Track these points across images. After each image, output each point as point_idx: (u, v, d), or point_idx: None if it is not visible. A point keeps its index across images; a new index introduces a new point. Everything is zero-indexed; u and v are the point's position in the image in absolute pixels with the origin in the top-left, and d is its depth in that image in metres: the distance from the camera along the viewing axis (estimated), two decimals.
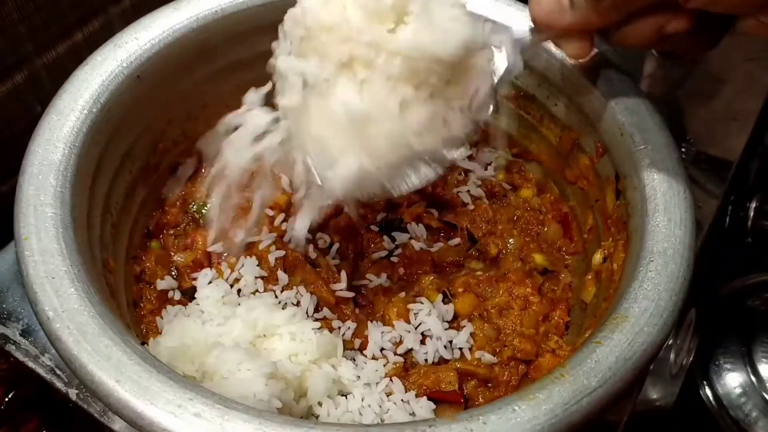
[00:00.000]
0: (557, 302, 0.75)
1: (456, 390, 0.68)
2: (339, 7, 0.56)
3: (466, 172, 0.85)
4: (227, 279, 0.74)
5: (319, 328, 0.70)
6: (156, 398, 0.48)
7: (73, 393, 0.66)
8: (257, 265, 0.75)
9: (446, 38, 0.56)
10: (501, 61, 0.63)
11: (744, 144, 0.98)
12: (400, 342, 0.71)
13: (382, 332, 0.71)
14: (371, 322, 0.73)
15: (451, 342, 0.71)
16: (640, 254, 0.60)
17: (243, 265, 0.75)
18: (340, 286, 0.74)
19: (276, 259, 0.76)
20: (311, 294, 0.73)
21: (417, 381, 0.68)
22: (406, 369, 0.70)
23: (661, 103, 0.70)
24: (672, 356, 0.91)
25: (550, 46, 0.73)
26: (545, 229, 0.81)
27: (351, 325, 0.72)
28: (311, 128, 0.59)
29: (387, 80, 0.56)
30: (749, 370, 1.00)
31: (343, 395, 0.67)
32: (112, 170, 0.70)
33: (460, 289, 0.75)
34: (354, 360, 0.70)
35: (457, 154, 0.63)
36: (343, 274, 0.74)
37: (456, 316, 0.74)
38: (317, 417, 0.65)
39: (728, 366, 1.01)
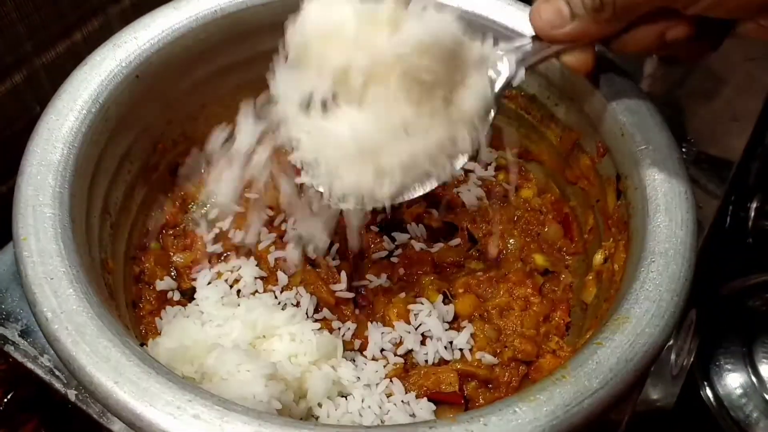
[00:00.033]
0: (558, 303, 0.75)
1: (456, 391, 0.68)
2: (336, 16, 0.56)
3: (467, 172, 0.85)
4: (227, 280, 0.74)
5: (318, 329, 0.69)
6: (155, 400, 0.48)
7: (72, 394, 0.66)
8: (257, 266, 0.75)
9: (436, 28, 0.56)
10: (503, 71, 0.63)
11: (744, 144, 0.98)
12: (401, 343, 0.71)
13: (382, 333, 0.71)
14: (371, 322, 0.73)
15: (451, 343, 0.71)
16: (641, 255, 0.60)
17: (242, 266, 0.74)
18: (340, 287, 0.73)
19: (275, 259, 0.75)
20: (311, 294, 0.73)
21: (417, 382, 0.68)
22: (407, 370, 0.70)
23: (661, 103, 0.70)
24: (673, 357, 0.91)
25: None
26: (546, 229, 0.81)
27: (351, 325, 0.72)
28: (315, 145, 0.59)
29: (388, 95, 0.57)
30: (750, 370, 1.00)
31: (343, 396, 0.66)
32: (111, 170, 0.70)
33: (461, 290, 0.75)
34: (354, 361, 0.70)
35: (462, 164, 0.63)
36: (343, 275, 0.74)
37: (456, 317, 0.74)
38: (317, 418, 0.64)
39: (729, 367, 1.01)
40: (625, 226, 0.66)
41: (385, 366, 0.69)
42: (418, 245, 0.78)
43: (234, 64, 0.79)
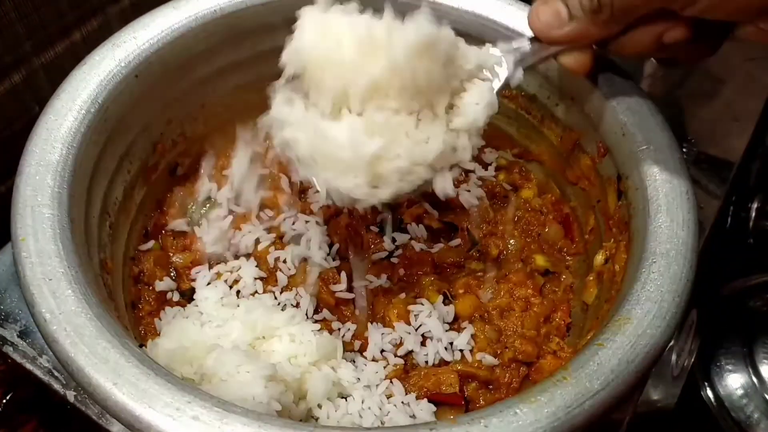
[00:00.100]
0: (558, 303, 0.75)
1: (457, 392, 0.68)
2: (333, 41, 0.56)
3: (467, 172, 0.85)
4: (226, 280, 0.74)
5: (318, 330, 0.69)
6: (154, 401, 0.48)
7: (71, 395, 0.66)
8: (256, 266, 0.75)
9: (428, 31, 0.56)
10: (501, 71, 0.63)
11: (745, 144, 0.98)
12: (401, 344, 0.71)
13: (382, 334, 0.71)
14: (371, 323, 0.72)
15: (451, 344, 0.71)
16: (642, 255, 0.59)
17: (242, 267, 0.74)
18: (340, 287, 0.73)
19: (275, 259, 0.75)
20: (311, 295, 0.72)
21: (417, 383, 0.68)
22: (407, 371, 0.70)
23: (661, 103, 0.70)
24: (673, 357, 0.91)
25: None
26: (546, 229, 0.81)
27: (351, 326, 0.72)
28: (312, 143, 0.59)
29: (387, 105, 0.57)
30: (751, 371, 1.00)
31: (343, 397, 0.66)
32: (110, 171, 0.70)
33: (461, 291, 0.75)
34: (354, 362, 0.70)
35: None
36: (343, 275, 0.74)
37: (456, 318, 0.74)
38: (317, 419, 0.64)
39: (729, 367, 1.00)
40: (626, 227, 0.66)
41: (385, 367, 0.69)
42: (418, 246, 0.78)
43: (234, 64, 0.79)
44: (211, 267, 0.76)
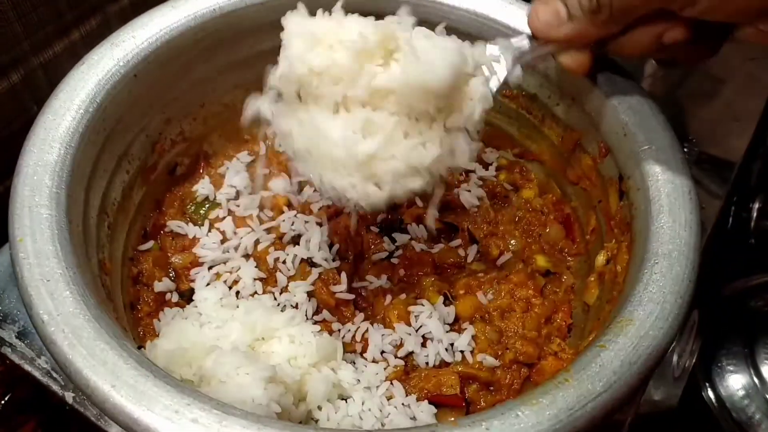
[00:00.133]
0: (559, 304, 0.75)
1: (457, 394, 0.67)
2: (325, 49, 0.56)
3: (467, 172, 0.84)
4: (225, 281, 0.73)
5: (318, 331, 0.69)
6: (153, 403, 0.48)
7: (69, 396, 0.66)
8: (256, 267, 0.74)
9: (434, 68, 0.55)
10: (500, 72, 0.62)
11: (746, 144, 0.98)
12: (401, 345, 0.70)
13: (383, 335, 0.71)
14: (372, 324, 0.72)
15: (452, 345, 0.71)
16: (644, 256, 0.59)
17: (241, 267, 0.74)
18: (340, 288, 0.73)
19: (275, 260, 0.75)
20: (310, 296, 0.72)
21: (418, 384, 0.68)
22: (407, 372, 0.70)
23: (662, 103, 0.69)
24: (675, 358, 0.91)
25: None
26: (547, 230, 0.81)
27: (351, 327, 0.72)
28: (307, 137, 0.59)
29: (385, 110, 0.56)
30: (752, 371, 0.99)
31: (343, 399, 0.66)
32: (108, 171, 0.69)
33: (462, 291, 0.74)
34: (354, 363, 0.69)
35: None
36: (343, 276, 0.73)
37: (457, 319, 0.73)
38: (317, 421, 0.64)
39: (731, 368, 1.00)
40: (628, 227, 0.66)
41: (385, 368, 0.69)
42: (418, 246, 0.78)
43: (233, 63, 0.79)
44: (210, 268, 0.75)
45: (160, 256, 0.76)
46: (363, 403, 0.65)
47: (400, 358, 0.70)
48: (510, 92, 0.81)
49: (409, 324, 0.71)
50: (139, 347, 0.64)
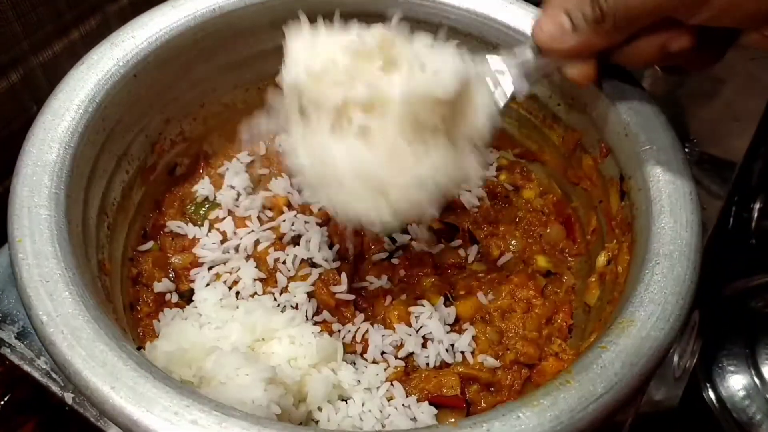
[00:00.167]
0: (560, 305, 0.74)
1: (458, 395, 0.67)
2: (325, 53, 0.56)
3: None
4: (225, 281, 0.73)
5: (319, 332, 0.69)
6: (152, 405, 0.47)
7: (69, 397, 0.65)
8: (256, 267, 0.74)
9: (440, 77, 0.55)
10: (506, 86, 0.62)
11: (747, 144, 0.98)
12: (401, 345, 0.70)
13: (383, 335, 0.71)
14: (372, 325, 0.72)
15: (452, 345, 0.71)
16: (645, 257, 0.59)
17: (241, 268, 0.74)
18: (341, 289, 0.72)
19: (275, 260, 0.75)
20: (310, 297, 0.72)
21: (418, 385, 0.68)
22: (407, 373, 0.69)
23: (662, 103, 0.69)
24: (675, 358, 0.90)
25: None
26: (548, 230, 0.80)
27: (351, 328, 0.72)
28: (314, 163, 0.58)
29: (390, 128, 0.56)
30: (753, 372, 0.99)
31: (343, 400, 0.66)
32: (108, 171, 0.69)
33: (462, 292, 0.74)
34: (354, 364, 0.69)
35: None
36: (344, 276, 0.73)
37: (458, 319, 0.73)
38: (317, 422, 0.64)
39: (731, 368, 1.00)
40: (629, 228, 0.66)
41: (385, 369, 0.69)
42: (418, 246, 0.77)
43: (233, 62, 0.79)
44: (210, 268, 0.75)
45: (159, 257, 0.75)
46: (363, 404, 0.65)
47: (401, 358, 0.70)
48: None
49: (409, 325, 0.71)
50: (139, 348, 0.64)
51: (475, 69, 0.59)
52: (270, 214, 0.79)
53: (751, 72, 1.04)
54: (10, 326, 0.69)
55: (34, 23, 0.79)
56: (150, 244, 0.76)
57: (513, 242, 0.79)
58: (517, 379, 0.69)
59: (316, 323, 0.71)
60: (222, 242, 0.77)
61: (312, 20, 0.58)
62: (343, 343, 0.70)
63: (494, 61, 0.62)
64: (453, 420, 0.64)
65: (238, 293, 0.73)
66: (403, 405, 0.66)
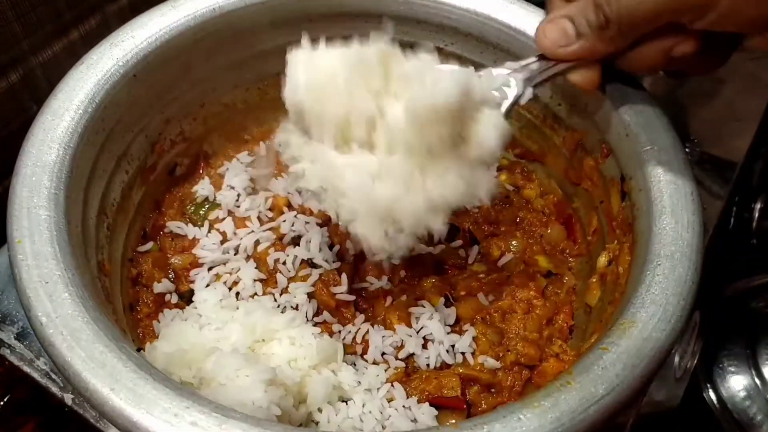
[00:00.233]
0: (561, 306, 0.74)
1: (458, 396, 0.67)
2: (324, 67, 0.56)
3: None
4: (225, 282, 0.73)
5: (319, 333, 0.69)
6: (152, 407, 0.47)
7: (68, 398, 0.65)
8: (256, 268, 0.74)
9: (439, 86, 0.54)
10: (510, 91, 0.62)
11: (748, 144, 0.97)
12: (402, 346, 0.70)
13: (383, 336, 0.70)
14: (372, 326, 0.72)
15: (453, 346, 0.70)
16: (646, 257, 0.59)
17: (241, 268, 0.74)
18: (341, 289, 0.72)
19: (275, 261, 0.74)
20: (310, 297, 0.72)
21: (419, 386, 0.67)
22: (408, 374, 0.69)
23: (663, 104, 0.69)
24: (676, 359, 0.90)
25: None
26: (548, 230, 0.80)
27: (351, 328, 0.71)
28: (322, 177, 0.58)
29: (397, 150, 0.55)
30: (753, 372, 0.99)
31: (343, 401, 0.66)
32: (108, 171, 0.69)
33: (462, 293, 0.74)
34: (354, 365, 0.69)
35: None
36: (344, 277, 0.73)
37: (458, 320, 0.73)
38: (317, 423, 0.64)
39: (732, 369, 1.00)
40: (630, 228, 0.65)
41: (386, 370, 0.69)
42: (419, 247, 0.77)
43: (233, 62, 0.78)
44: (210, 269, 0.75)
45: (159, 257, 0.75)
46: (363, 405, 0.65)
47: (401, 359, 0.70)
48: None
49: (409, 325, 0.71)
50: (139, 349, 0.64)
51: (480, 83, 0.59)
52: (270, 214, 0.78)
53: (751, 72, 1.04)
54: (9, 327, 0.69)
55: (33, 23, 0.78)
56: (150, 245, 0.76)
57: (514, 243, 0.79)
58: (518, 381, 0.69)
59: (316, 324, 0.71)
60: (222, 243, 0.76)
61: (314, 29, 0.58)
62: (344, 344, 0.70)
63: (498, 71, 0.62)
64: (453, 421, 0.64)
65: (238, 294, 0.73)
66: (403, 406, 0.66)
